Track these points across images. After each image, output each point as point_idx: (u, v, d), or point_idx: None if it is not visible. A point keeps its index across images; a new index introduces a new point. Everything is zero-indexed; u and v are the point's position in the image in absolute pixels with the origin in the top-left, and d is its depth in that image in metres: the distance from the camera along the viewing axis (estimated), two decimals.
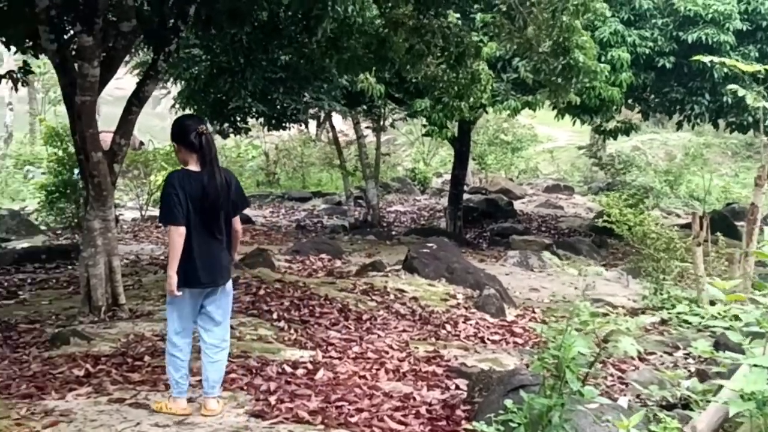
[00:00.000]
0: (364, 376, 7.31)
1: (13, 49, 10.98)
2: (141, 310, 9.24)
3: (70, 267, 12.29)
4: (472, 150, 24.71)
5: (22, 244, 14.62)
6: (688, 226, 18.35)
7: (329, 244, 14.16)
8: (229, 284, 6.33)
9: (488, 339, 9.10)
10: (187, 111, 17.76)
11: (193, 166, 5.98)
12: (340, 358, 7.78)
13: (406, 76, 15.32)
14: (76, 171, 16.52)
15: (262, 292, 10.05)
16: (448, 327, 9.40)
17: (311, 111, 16.31)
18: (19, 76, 11.18)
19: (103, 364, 7.25)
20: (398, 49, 10.36)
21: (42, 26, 8.68)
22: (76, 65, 8.70)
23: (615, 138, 18.32)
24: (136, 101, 9.12)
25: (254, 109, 14.88)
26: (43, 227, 16.82)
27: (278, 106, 15.00)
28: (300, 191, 26.10)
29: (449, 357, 8.17)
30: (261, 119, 16.05)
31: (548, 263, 14.56)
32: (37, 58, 12.16)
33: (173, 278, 5.89)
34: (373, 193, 20.09)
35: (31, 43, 10.87)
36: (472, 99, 11.54)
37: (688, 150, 35.54)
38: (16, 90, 11.94)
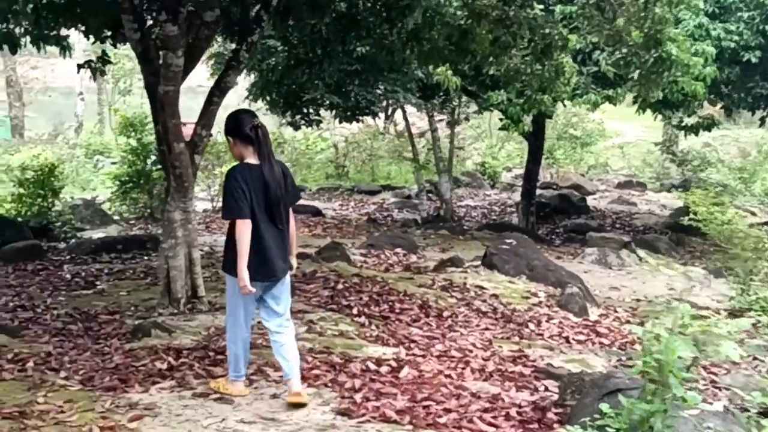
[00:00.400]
0: (449, 375, 7.13)
1: (82, 39, 11.01)
2: (220, 303, 9.13)
3: (146, 258, 12.28)
4: None
5: (97, 233, 14.66)
6: (766, 224, 18.01)
7: (404, 239, 13.98)
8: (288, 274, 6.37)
9: (573, 339, 8.87)
10: (260, 103, 17.77)
11: (252, 159, 6.06)
12: (423, 356, 7.61)
13: (483, 69, 15.22)
14: (149, 161, 16.61)
15: (340, 286, 9.91)
16: (531, 326, 9.18)
17: (385, 103, 16.10)
18: (97, 65, 11.17)
19: (185, 358, 7.17)
20: (481, 41, 10.14)
21: (125, 15, 8.61)
22: (159, 55, 8.66)
23: (696, 134, 17.91)
24: (217, 92, 9.03)
25: (328, 101, 14.74)
26: (116, 217, 16.87)
27: (353, 98, 14.83)
28: (369, 184, 25.94)
29: (535, 357, 7.97)
30: (334, 111, 15.92)
31: (627, 261, 14.22)
32: (116, 47, 12.17)
33: (245, 274, 5.90)
34: (446, 187, 19.86)
35: (109, 32, 10.88)
36: (554, 92, 11.31)
37: (761, 147, 34.72)
38: (95, 79, 11.94)
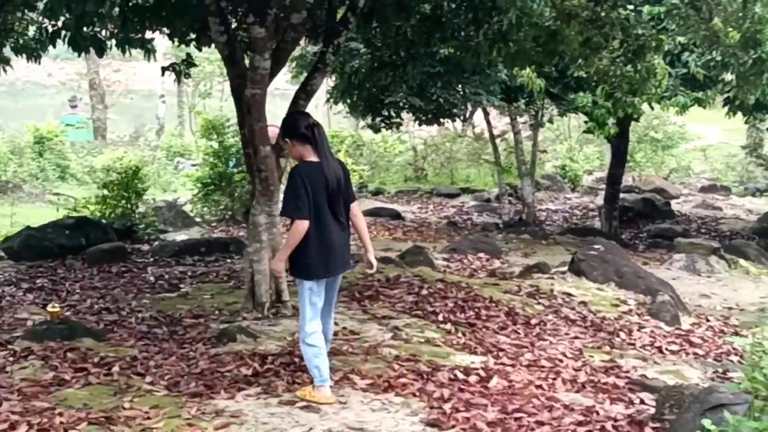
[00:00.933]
0: (540, 386, 6.91)
1: (163, 42, 11.03)
2: None
3: (229, 261, 12.27)
4: None
5: (179, 235, 14.72)
6: None
7: (487, 243, 13.78)
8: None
9: (666, 349, 8.57)
10: (341, 105, 17.72)
11: (312, 157, 6.16)
12: (513, 366, 7.41)
13: (568, 71, 14.96)
14: (231, 164, 16.64)
15: (424, 292, 9.76)
16: (622, 335, 8.91)
17: (468, 106, 15.90)
18: (182, 68, 11.19)
19: (271, 364, 7.08)
20: (570, 42, 9.89)
21: (212, 18, 8.57)
22: (246, 57, 8.61)
23: None
24: (303, 95, 8.95)
25: (410, 104, 14.59)
26: (197, 219, 16.94)
27: (435, 101, 14.67)
28: (448, 187, 25.75)
29: (627, 368, 7.70)
30: (416, 114, 15.76)
31: (716, 268, 13.82)
32: (200, 50, 12.18)
33: (283, 263, 6.25)
34: (529, 191, 19.57)
35: (194, 35, 10.89)
36: (645, 95, 11.02)
37: None
38: (179, 82, 11.95)
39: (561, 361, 7.68)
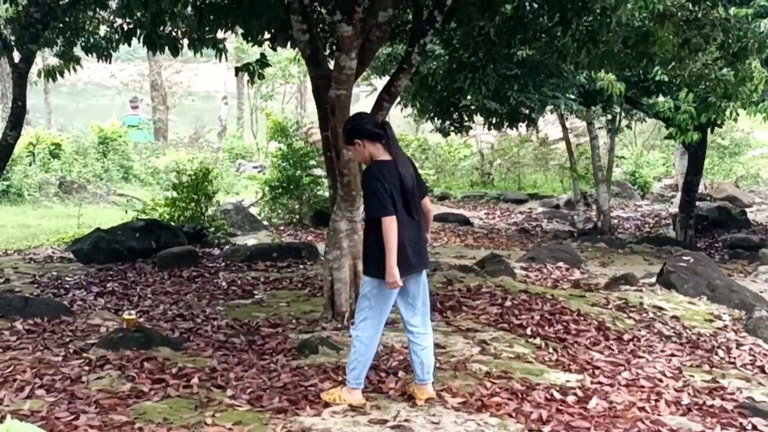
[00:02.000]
0: (643, 408, 6.48)
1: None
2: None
3: (301, 267, 11.97)
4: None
5: (248, 239, 14.46)
6: None
7: (566, 252, 13.31)
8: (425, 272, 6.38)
9: None
10: (410, 109, 17.37)
11: (384, 156, 6.03)
12: (611, 385, 6.98)
13: (649, 75, 14.47)
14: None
15: (508, 303, 9.35)
16: (721, 353, 8.42)
17: (545, 109, 15.45)
18: (256, 68, 10.93)
19: None
20: (663, 44, 9.45)
21: (295, 16, 8.25)
22: (332, 57, 8.29)
23: None
24: (387, 96, 8.59)
25: (486, 107, 14.17)
26: (265, 223, 16.67)
27: (512, 104, 14.23)
28: (515, 193, 25.26)
29: (731, 389, 7.24)
30: (492, 118, 15.33)
31: None
32: (275, 50, 11.92)
33: (395, 270, 5.82)
34: (605, 198, 19.02)
35: (268, 35, 10.61)
36: (740, 99, 10.52)
37: None
38: (252, 83, 11.67)
39: (661, 380, 7.24)
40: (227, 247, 13.36)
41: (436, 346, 7.71)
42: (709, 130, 16.02)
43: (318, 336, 7.67)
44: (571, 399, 6.52)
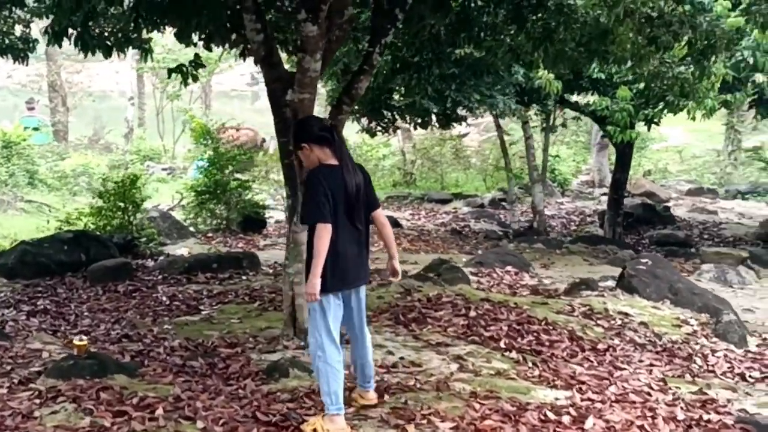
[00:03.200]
0: (642, 427, 6.17)
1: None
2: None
3: (244, 278, 11.38)
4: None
5: (179, 248, 13.77)
6: None
7: (513, 255, 12.98)
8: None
9: (750, 376, 7.86)
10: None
11: (331, 160, 5.79)
12: (602, 402, 6.65)
13: (584, 73, 14.28)
14: (227, 171, 15.75)
15: (473, 313, 8.95)
16: (698, 360, 8.17)
17: (482, 109, 15.11)
18: (190, 70, 10.34)
19: None
20: (623, 42, 9.17)
21: (248, 15, 7.71)
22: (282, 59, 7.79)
23: None
24: (347, 99, 8.10)
25: (425, 107, 13.75)
26: (192, 229, 15.98)
27: (448, 104, 13.84)
28: (439, 192, 24.90)
29: (722, 400, 6.99)
30: (425, 118, 14.94)
31: (747, 279, 13.18)
32: (210, 50, 11.32)
33: (317, 282, 5.57)
34: (540, 198, 18.78)
35: (203, 35, 10.02)
36: (698, 97, 10.32)
37: None
38: (185, 86, 11.02)
39: (649, 394, 6.95)
40: (161, 257, 12.68)
41: (410, 363, 7.34)
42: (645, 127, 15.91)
43: (288, 358, 7.17)
44: (566, 419, 6.18)
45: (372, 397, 6.21)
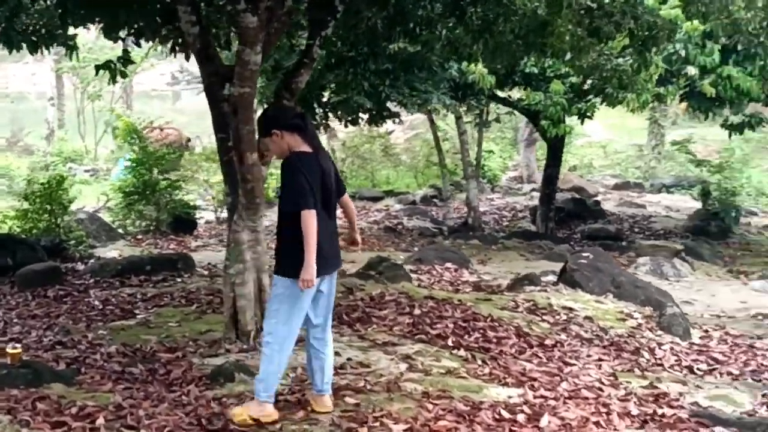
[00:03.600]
0: (598, 423, 6.07)
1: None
2: None
3: (179, 280, 11.06)
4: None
5: (109, 251, 13.39)
6: None
7: (452, 252, 12.90)
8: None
9: (697, 369, 7.83)
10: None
11: (304, 147, 5.68)
12: (555, 399, 6.53)
13: (517, 67, 14.22)
14: (155, 171, 15.40)
15: (417, 311, 8.80)
16: (646, 354, 8.12)
17: (416, 105, 14.93)
18: (118, 66, 9.99)
19: (285, 409, 6.00)
20: (561, 35, 9.08)
21: (182, 6, 7.46)
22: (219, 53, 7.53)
23: (741, 133, 16.83)
24: (287, 94, 7.89)
25: (359, 103, 13.51)
26: (120, 231, 15.57)
27: (383, 100, 13.64)
28: (370, 190, 24.73)
29: (673, 394, 6.92)
30: (356, 114, 14.70)
31: (683, 271, 13.26)
32: (139, 46, 10.99)
33: (314, 268, 5.45)
34: (474, 194, 18.72)
35: (131, 29, 9.69)
36: (636, 89, 10.29)
37: (728, 146, 33.92)
38: (114, 82, 10.62)
39: (601, 390, 6.87)
40: (92, 261, 12.28)
41: (359, 364, 7.16)
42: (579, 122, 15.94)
43: (232, 362, 6.93)
44: (521, 418, 6.05)
45: (328, 403, 5.98)
